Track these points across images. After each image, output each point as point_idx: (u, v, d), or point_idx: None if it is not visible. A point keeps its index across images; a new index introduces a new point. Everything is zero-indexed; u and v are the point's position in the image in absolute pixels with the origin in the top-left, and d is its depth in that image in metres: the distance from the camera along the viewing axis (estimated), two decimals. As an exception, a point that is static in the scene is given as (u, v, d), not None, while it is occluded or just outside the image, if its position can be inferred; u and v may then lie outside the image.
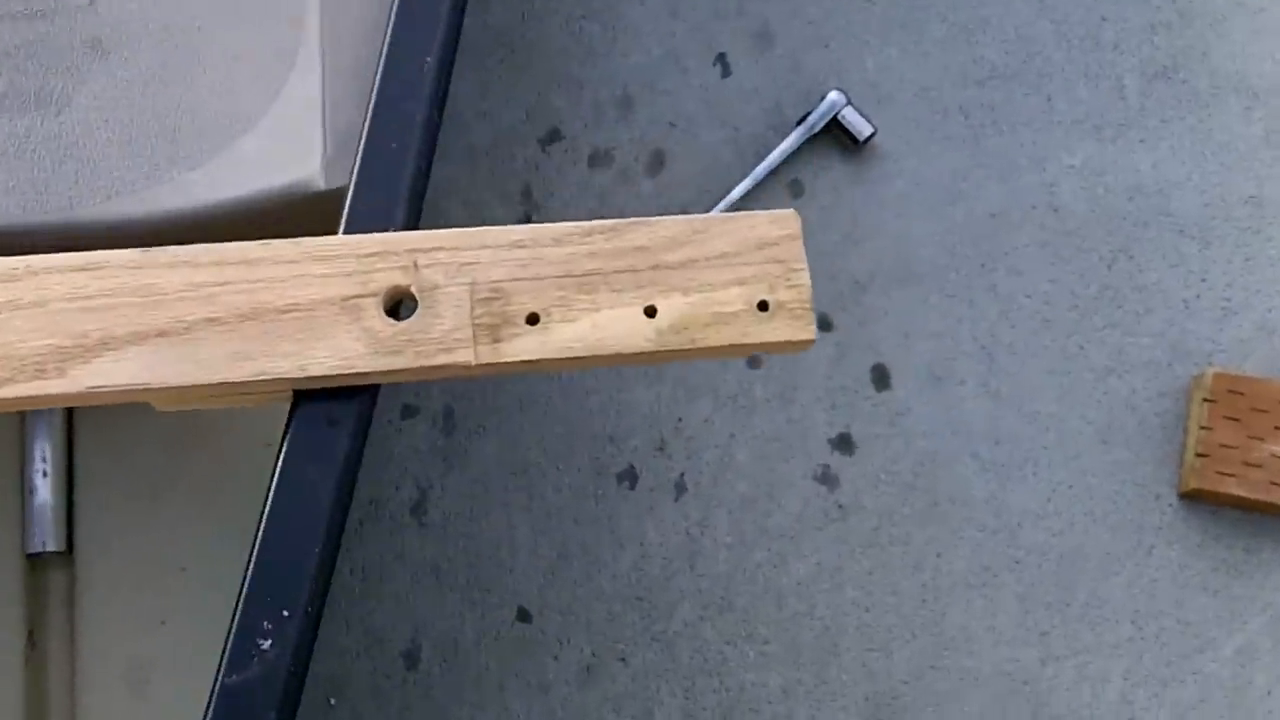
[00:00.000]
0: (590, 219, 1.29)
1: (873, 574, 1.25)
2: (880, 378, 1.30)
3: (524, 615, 1.24)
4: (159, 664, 1.16)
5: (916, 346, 1.30)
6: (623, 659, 1.23)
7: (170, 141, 0.88)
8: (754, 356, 1.27)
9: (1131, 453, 1.27)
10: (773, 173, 1.33)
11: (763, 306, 0.72)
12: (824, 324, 1.31)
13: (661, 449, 1.28)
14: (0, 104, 0.89)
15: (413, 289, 0.73)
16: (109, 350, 0.71)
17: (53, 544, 1.16)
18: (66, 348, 0.71)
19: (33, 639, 1.15)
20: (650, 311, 0.74)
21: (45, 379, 0.71)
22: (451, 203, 1.32)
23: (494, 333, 0.73)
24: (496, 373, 0.74)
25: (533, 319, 0.73)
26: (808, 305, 0.74)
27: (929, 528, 1.26)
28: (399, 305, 0.75)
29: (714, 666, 1.22)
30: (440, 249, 0.75)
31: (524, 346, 0.72)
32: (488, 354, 0.73)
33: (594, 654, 1.23)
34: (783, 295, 0.74)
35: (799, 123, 1.34)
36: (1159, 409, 1.28)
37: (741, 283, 0.74)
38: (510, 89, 1.37)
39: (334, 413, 0.74)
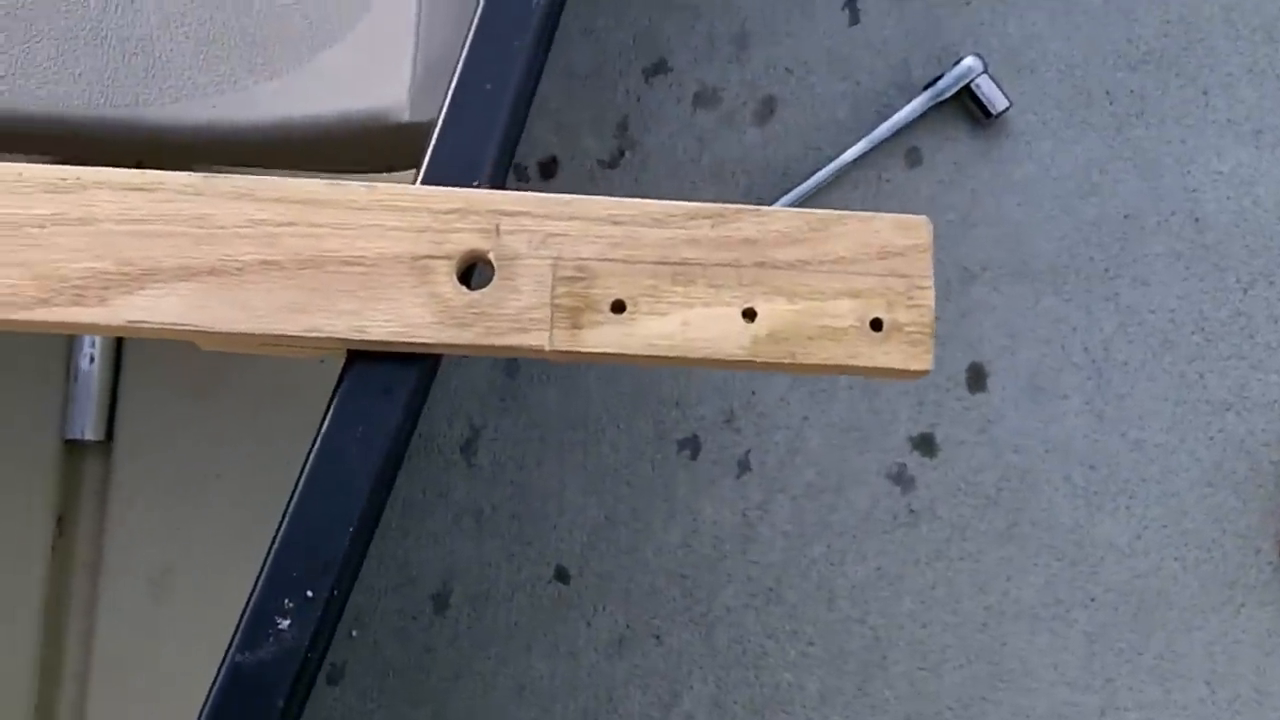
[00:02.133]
0: (689, 163, 1.26)
1: (935, 588, 1.21)
2: (976, 379, 1.24)
3: (562, 575, 1.21)
4: (182, 570, 1.16)
5: (1020, 350, 1.24)
6: (657, 636, 1.20)
7: (248, 47, 0.83)
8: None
9: (1238, 500, 1.21)
10: (891, 137, 1.26)
11: (876, 325, 0.66)
12: (923, 311, 1.25)
13: (729, 422, 1.23)
14: (76, -16, 0.84)
15: (491, 256, 0.68)
16: (155, 283, 0.68)
17: (91, 432, 1.16)
18: (109, 274, 0.67)
19: (61, 526, 1.15)
20: (749, 315, 0.69)
21: (84, 305, 0.67)
22: (541, 126, 1.27)
23: (574, 317, 0.69)
24: (571, 360, 0.70)
25: (618, 307, 0.68)
26: (928, 331, 0.68)
27: (1004, 548, 1.21)
28: (473, 272, 0.71)
29: (752, 659, 1.19)
30: (527, 214, 0.70)
31: (605, 337, 0.68)
32: (564, 340, 0.68)
33: (629, 626, 1.20)
34: (901, 315, 0.68)
35: (927, 86, 1.27)
36: (1275, 457, 1.22)
37: (856, 295, 0.69)
38: (621, 10, 1.30)
39: (390, 379, 0.70)
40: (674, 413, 1.23)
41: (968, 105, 1.27)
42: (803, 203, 1.25)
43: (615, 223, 0.69)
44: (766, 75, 1.29)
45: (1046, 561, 1.21)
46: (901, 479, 1.23)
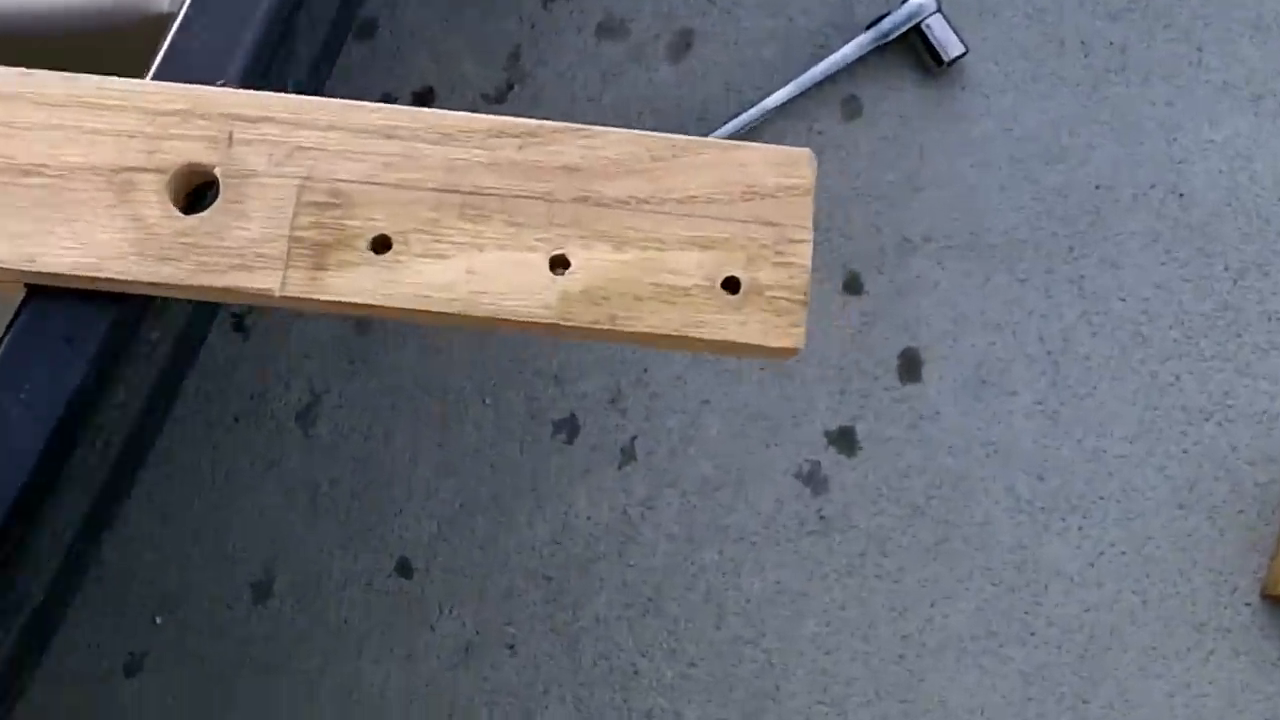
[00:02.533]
0: (587, 100, 1.16)
1: (845, 609, 1.11)
2: (909, 366, 1.14)
3: (405, 569, 1.12)
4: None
5: (965, 336, 1.14)
6: (511, 645, 1.11)
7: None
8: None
9: (1213, 527, 1.11)
10: (826, 82, 1.17)
11: (730, 285, 0.56)
12: (852, 285, 1.15)
13: (614, 402, 1.14)
14: None
15: (217, 172, 0.59)
16: None
17: None
18: None
19: None
20: (559, 264, 0.59)
21: None
22: (417, 51, 1.18)
23: (320, 255, 0.59)
24: (309, 310, 0.60)
25: (381, 244, 0.59)
26: (800, 297, 0.57)
27: (929, 566, 1.11)
28: (195, 194, 0.61)
29: (621, 679, 1.10)
30: (270, 120, 0.61)
31: (358, 283, 0.58)
32: (302, 284, 0.59)
33: (478, 632, 1.11)
34: (764, 275, 0.57)
35: (870, 25, 1.18)
36: (1261, 478, 1.11)
37: (706, 245, 0.59)
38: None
39: (74, 324, 0.60)
40: (551, 388, 1.14)
41: (917, 49, 1.18)
42: (721, 150, 1.15)
43: (389, 136, 0.60)
44: (685, 6, 1.20)
45: (980, 585, 1.11)
46: (813, 479, 1.13)
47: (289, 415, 1.14)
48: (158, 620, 1.11)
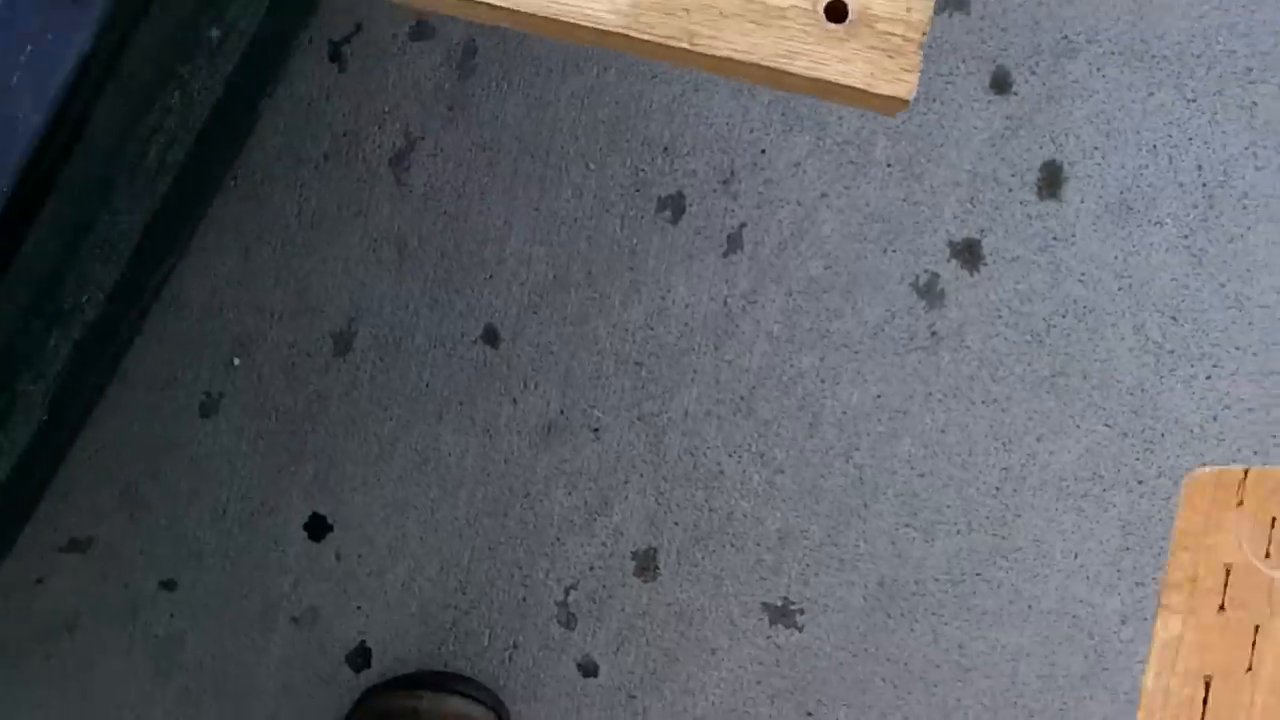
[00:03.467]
0: None
1: (945, 432, 1.03)
2: (1050, 181, 1.03)
3: (491, 336, 1.05)
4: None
5: (1115, 154, 1.02)
6: (595, 429, 1.04)
7: None
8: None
9: (1352, 391, 1.01)
10: None
11: (835, 13, 0.47)
12: (999, 83, 1.03)
13: (726, 183, 1.04)
14: None
15: None
16: None
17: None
18: None
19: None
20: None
21: None
22: None
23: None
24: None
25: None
26: (916, 36, 0.48)
27: (1041, 399, 1.02)
28: None
29: (704, 477, 1.03)
30: None
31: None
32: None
33: (562, 412, 1.04)
34: (877, 2, 0.48)
35: None
36: None
37: None
38: None
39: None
40: (659, 160, 1.04)
41: None
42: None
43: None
44: None
45: (1092, 425, 1.02)
46: (929, 291, 1.03)
47: (381, 160, 1.05)
48: (235, 362, 1.05)
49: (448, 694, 1.02)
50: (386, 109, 1.05)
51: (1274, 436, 1.01)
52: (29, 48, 0.48)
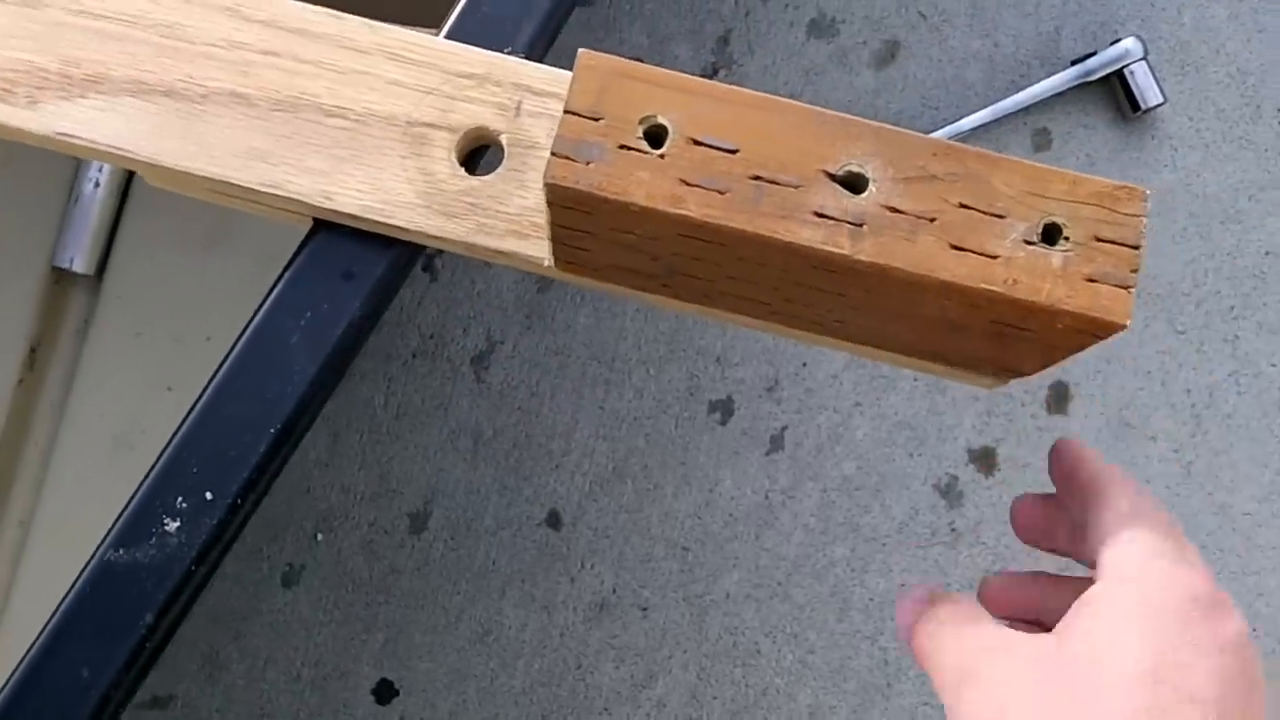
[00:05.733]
0: (790, 95, 1.12)
1: (963, 621, 1.08)
2: (1058, 398, 1.11)
3: (554, 520, 1.10)
4: (150, 433, 1.07)
5: (1115, 377, 1.10)
6: (644, 608, 1.09)
7: None
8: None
9: (1326, 596, 1.07)
10: (1022, 112, 1.12)
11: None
12: (1015, 313, 1.11)
13: (771, 391, 1.11)
14: None
15: (503, 139, 0.57)
16: (98, 92, 0.57)
17: (81, 264, 1.07)
18: (47, 72, 0.57)
19: (34, 359, 1.06)
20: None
21: (8, 103, 0.56)
22: (632, 28, 1.14)
23: (590, 237, 0.56)
24: (577, 284, 0.58)
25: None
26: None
27: (1049, 592, 1.08)
28: (478, 154, 0.59)
29: (743, 655, 1.08)
30: (557, 96, 0.58)
31: (620, 265, 0.56)
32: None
33: (615, 591, 1.09)
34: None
35: (1075, 62, 1.12)
36: (1381, 556, 1.07)
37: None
38: (748, -90, 1.17)
39: (355, 262, 0.59)
40: (712, 368, 1.11)
41: (1116, 92, 1.13)
42: (905, 165, 1.11)
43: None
44: (896, 16, 1.15)
45: (1093, 618, 1.08)
46: (950, 492, 1.10)
47: (464, 359, 1.12)
48: (319, 537, 1.10)
49: None
50: (471, 315, 1.12)
51: (1254, 630, 1.07)
52: (309, 313, 0.55)
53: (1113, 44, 1.11)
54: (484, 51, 0.57)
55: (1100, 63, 1.11)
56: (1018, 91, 1.11)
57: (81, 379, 1.07)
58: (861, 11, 1.15)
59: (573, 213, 0.48)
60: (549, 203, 0.47)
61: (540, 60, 0.64)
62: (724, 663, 1.08)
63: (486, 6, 0.61)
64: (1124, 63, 1.10)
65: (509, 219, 0.55)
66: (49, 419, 1.07)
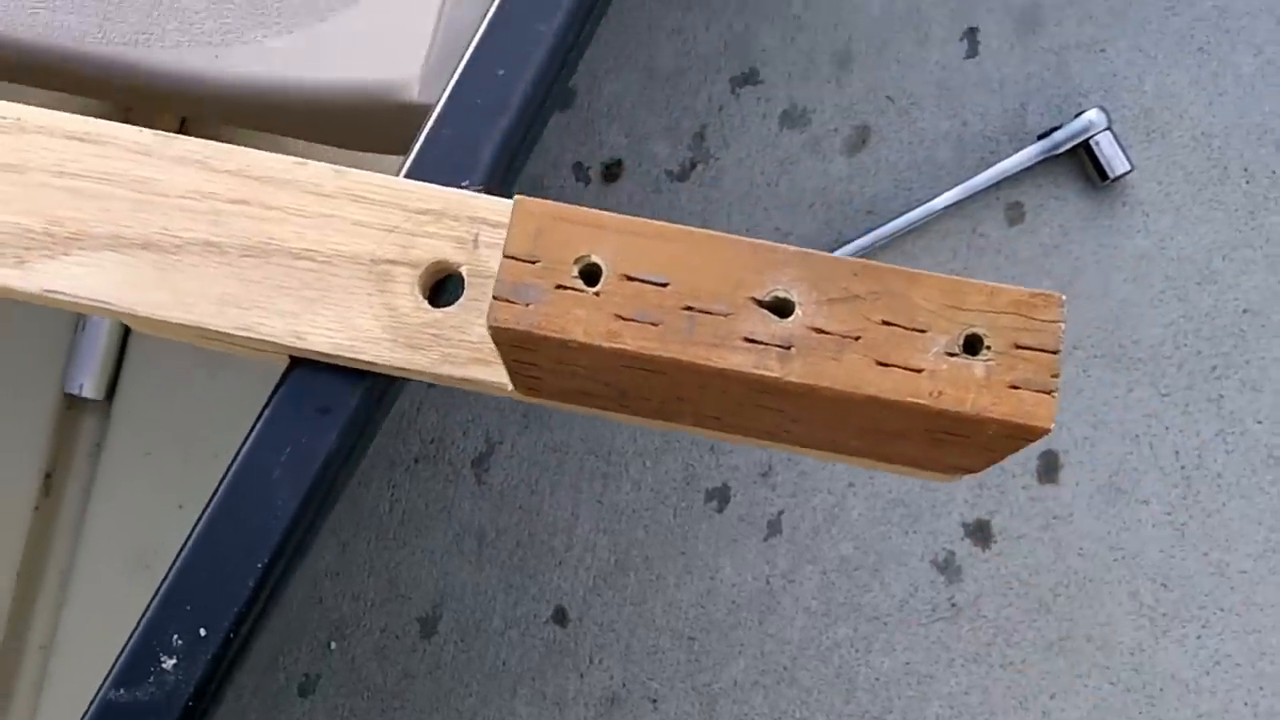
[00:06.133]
0: (765, 186, 1.16)
1: (968, 694, 1.09)
2: (1048, 468, 1.12)
3: (560, 617, 1.12)
4: (165, 551, 1.10)
5: (1103, 443, 1.11)
6: (654, 700, 1.10)
7: (262, -1, 0.75)
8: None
9: (1329, 649, 1.07)
10: (994, 188, 1.14)
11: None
12: (1000, 385, 1.12)
13: (766, 476, 1.13)
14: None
15: (463, 270, 0.59)
16: (80, 250, 0.60)
17: (91, 390, 1.10)
18: (34, 233, 0.60)
19: (49, 485, 1.09)
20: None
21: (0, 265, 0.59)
22: (610, 127, 1.18)
23: (547, 356, 0.58)
24: (545, 405, 0.60)
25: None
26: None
27: (1052, 661, 1.09)
28: (443, 285, 0.61)
29: (754, 741, 1.09)
30: (512, 228, 0.61)
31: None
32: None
33: (624, 684, 1.10)
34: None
35: (1042, 136, 1.15)
36: (1381, 606, 1.07)
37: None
38: (715, 11, 1.21)
39: (330, 396, 0.61)
40: (707, 457, 1.13)
41: (1084, 163, 1.15)
42: (885, 246, 1.14)
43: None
44: (865, 102, 1.18)
45: (1098, 684, 1.08)
46: (948, 568, 1.11)
47: (465, 462, 1.14)
48: (332, 646, 1.12)
49: None
50: (470, 417, 1.14)
51: (1261, 689, 1.07)
52: (288, 448, 0.57)
53: (1077, 116, 1.13)
54: (440, 188, 0.60)
55: (1066, 135, 1.13)
56: (988, 168, 1.14)
57: (96, 501, 1.10)
58: (831, 99, 1.18)
59: (519, 349, 0.50)
60: (495, 341, 0.50)
61: (508, 181, 0.67)
62: (735, 749, 1.09)
63: (444, 143, 0.64)
64: (1089, 134, 1.13)
65: (472, 348, 0.58)
66: (66, 542, 1.10)
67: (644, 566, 1.12)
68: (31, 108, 0.60)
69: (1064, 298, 0.50)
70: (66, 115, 0.60)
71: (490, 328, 0.49)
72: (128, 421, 1.11)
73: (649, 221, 0.49)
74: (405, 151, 0.82)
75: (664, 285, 0.48)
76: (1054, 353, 0.49)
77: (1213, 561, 1.09)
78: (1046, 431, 0.48)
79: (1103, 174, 1.14)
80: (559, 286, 0.48)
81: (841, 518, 1.12)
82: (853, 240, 1.13)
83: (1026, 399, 0.49)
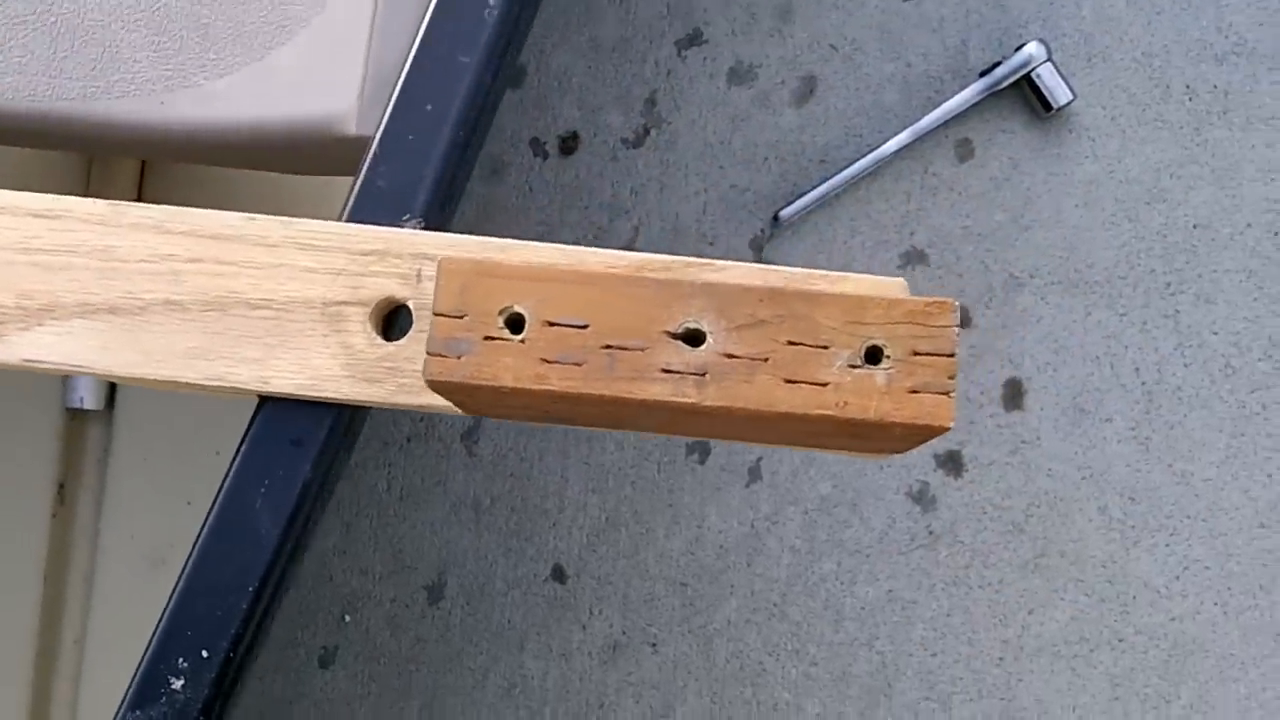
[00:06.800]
0: (719, 144, 1.18)
1: (950, 616, 1.14)
2: (1013, 395, 1.16)
3: (559, 575, 1.17)
4: (180, 546, 1.15)
5: (1065, 367, 1.15)
6: (653, 644, 1.16)
7: (201, 40, 0.78)
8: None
9: (1290, 547, 1.12)
10: (942, 127, 1.17)
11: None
12: (962, 320, 1.16)
13: (743, 427, 1.17)
14: (23, -35, 0.80)
15: (410, 304, 0.63)
16: (52, 319, 0.64)
17: (91, 401, 1.15)
18: (6, 307, 0.64)
19: (63, 494, 1.14)
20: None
21: (-22, 341, 0.63)
22: (563, 101, 1.20)
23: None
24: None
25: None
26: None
27: (1028, 579, 1.13)
28: (392, 320, 0.65)
29: (750, 675, 1.14)
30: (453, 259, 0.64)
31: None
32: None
33: (624, 632, 1.16)
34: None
35: (984, 73, 1.17)
36: (1337, 501, 1.11)
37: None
38: (659, -25, 1.22)
39: (301, 429, 0.66)
40: (684, 414, 1.17)
41: (1028, 96, 1.17)
42: (840, 194, 1.16)
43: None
44: (809, 52, 1.20)
45: (1074, 596, 1.13)
46: (923, 498, 1.15)
47: (454, 436, 1.19)
48: (346, 619, 1.17)
49: None
50: (453, 395, 1.18)
51: (1229, 589, 1.12)
52: (266, 480, 0.62)
53: (1018, 50, 1.15)
54: (381, 229, 0.64)
55: (1007, 71, 1.15)
56: (934, 108, 1.15)
57: (109, 505, 1.15)
58: (776, 53, 1.20)
59: (457, 394, 0.54)
60: (433, 390, 0.54)
61: (448, 207, 0.70)
62: (734, 685, 1.15)
63: (380, 183, 0.67)
64: (1029, 67, 1.14)
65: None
66: (85, 546, 1.15)
67: (634, 521, 1.17)
68: (-9, 189, 0.64)
69: (956, 304, 0.53)
70: (23, 195, 0.64)
71: (427, 381, 0.53)
72: (130, 427, 1.15)
73: (565, 268, 0.53)
74: (349, 172, 0.85)
75: (584, 327, 0.52)
76: (949, 356, 0.53)
77: (1177, 472, 1.13)
78: (946, 429, 0.53)
79: (1046, 105, 1.15)
80: (487, 338, 0.52)
81: (818, 460, 1.16)
82: (808, 191, 1.15)
83: (926, 401, 0.53)
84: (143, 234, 0.63)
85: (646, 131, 1.20)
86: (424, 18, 0.69)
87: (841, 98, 1.19)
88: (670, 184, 1.17)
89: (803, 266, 1.09)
